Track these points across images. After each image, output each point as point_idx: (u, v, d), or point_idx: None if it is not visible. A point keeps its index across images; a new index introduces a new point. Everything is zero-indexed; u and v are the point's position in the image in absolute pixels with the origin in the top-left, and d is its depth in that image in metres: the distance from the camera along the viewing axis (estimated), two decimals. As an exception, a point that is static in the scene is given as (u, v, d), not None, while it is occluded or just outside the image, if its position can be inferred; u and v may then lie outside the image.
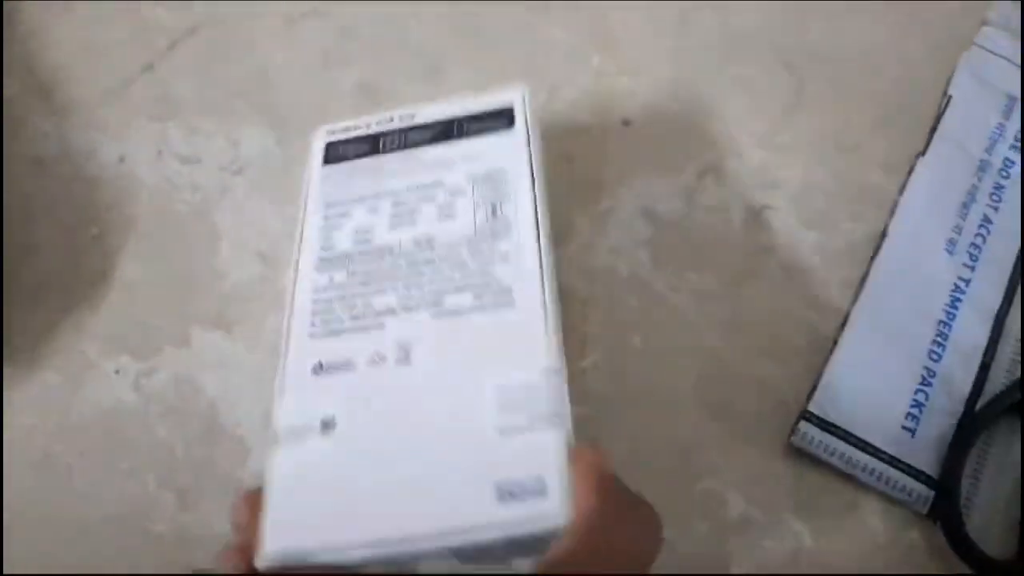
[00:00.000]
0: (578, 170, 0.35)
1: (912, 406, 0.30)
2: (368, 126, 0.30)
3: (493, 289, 0.25)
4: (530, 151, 0.28)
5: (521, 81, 0.30)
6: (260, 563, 0.22)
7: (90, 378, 0.31)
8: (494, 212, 0.27)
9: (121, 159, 0.35)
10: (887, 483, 0.29)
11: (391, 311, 0.25)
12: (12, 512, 0.28)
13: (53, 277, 0.33)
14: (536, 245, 0.26)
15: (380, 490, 0.22)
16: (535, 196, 0.27)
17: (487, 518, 0.21)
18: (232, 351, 0.31)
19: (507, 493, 0.21)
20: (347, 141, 0.30)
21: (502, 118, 0.29)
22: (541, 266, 0.25)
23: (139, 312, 0.32)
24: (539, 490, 0.21)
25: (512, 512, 0.21)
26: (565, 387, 0.23)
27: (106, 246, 0.33)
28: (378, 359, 0.24)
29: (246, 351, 0.31)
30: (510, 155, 0.28)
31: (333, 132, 0.31)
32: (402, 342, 0.24)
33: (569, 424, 0.22)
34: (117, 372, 0.31)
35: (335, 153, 0.30)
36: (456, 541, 0.21)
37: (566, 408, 0.22)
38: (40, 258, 0.33)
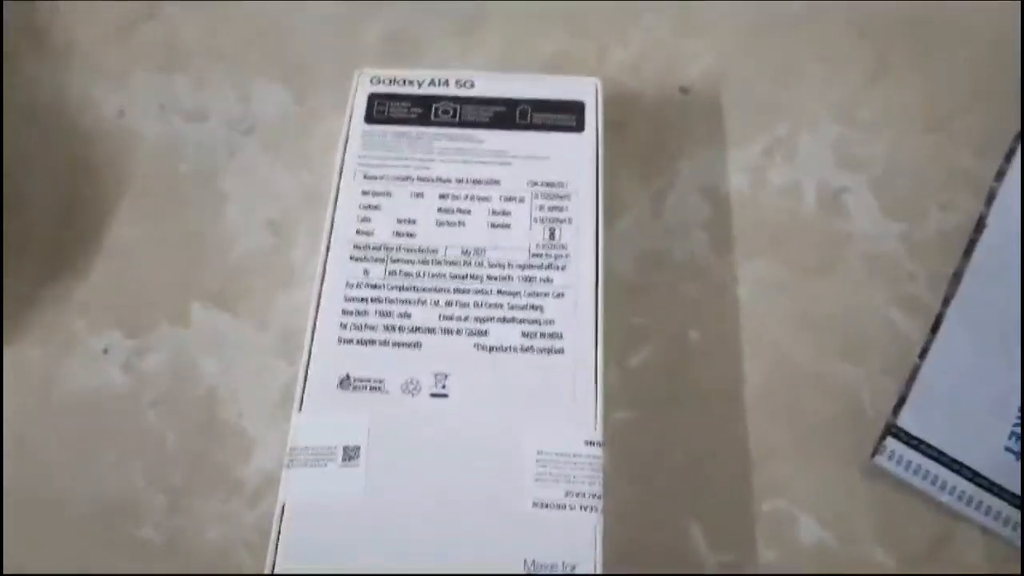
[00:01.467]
0: (630, 141, 0.31)
1: (1016, 424, 0.26)
2: (419, 84, 0.27)
3: (543, 330, 0.23)
4: (598, 168, 0.26)
5: (591, 77, 0.27)
6: None
7: (75, 355, 0.27)
8: (552, 235, 0.25)
9: (121, 113, 0.32)
10: (986, 512, 0.25)
11: (429, 329, 0.24)
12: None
13: (39, 239, 0.29)
14: (594, 287, 0.24)
15: (401, 539, 0.21)
16: (598, 226, 0.25)
17: None
18: (236, 331, 0.28)
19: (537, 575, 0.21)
20: (395, 98, 0.27)
21: (571, 115, 0.27)
22: (597, 315, 0.24)
23: (133, 283, 0.28)
24: None
25: None
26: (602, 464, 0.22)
27: (99, 208, 0.30)
28: (412, 387, 0.23)
29: (252, 332, 0.28)
30: (576, 166, 0.26)
31: (378, 81, 0.28)
32: (439, 371, 0.23)
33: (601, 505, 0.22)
34: (105, 351, 0.27)
35: (379, 110, 0.27)
36: None
37: (601, 488, 0.22)
38: (25, 217, 0.30)
